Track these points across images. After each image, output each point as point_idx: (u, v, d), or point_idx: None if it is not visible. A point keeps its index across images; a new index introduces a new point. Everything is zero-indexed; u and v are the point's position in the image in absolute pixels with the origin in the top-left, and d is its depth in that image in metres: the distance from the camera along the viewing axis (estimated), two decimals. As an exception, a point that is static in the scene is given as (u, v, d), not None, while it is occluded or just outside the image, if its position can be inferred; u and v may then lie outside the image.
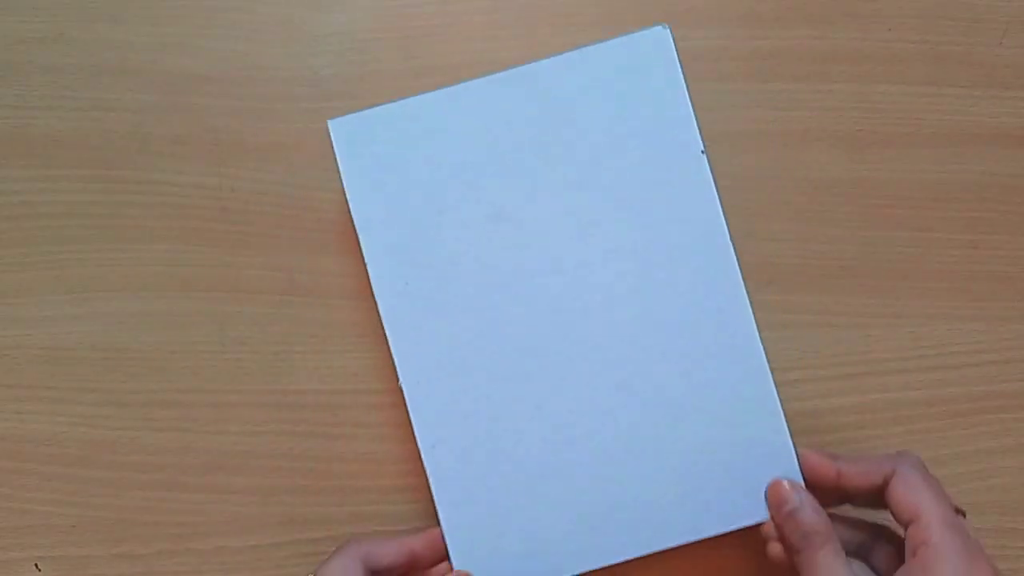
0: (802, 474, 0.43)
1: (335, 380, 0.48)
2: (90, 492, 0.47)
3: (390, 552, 0.42)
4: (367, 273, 0.47)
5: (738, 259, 0.46)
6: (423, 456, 0.44)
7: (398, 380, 0.44)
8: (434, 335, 0.44)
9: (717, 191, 0.44)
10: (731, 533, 0.43)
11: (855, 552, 0.42)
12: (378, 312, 0.45)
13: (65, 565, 0.47)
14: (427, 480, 0.44)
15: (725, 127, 0.49)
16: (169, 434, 0.48)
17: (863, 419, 0.48)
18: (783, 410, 0.44)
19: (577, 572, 0.43)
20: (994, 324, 0.49)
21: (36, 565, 0.47)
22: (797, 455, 0.43)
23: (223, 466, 0.48)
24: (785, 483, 0.42)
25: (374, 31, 0.49)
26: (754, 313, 0.47)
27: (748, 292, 0.47)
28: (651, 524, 0.43)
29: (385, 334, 0.44)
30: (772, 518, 0.42)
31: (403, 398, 0.47)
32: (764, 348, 0.44)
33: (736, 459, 0.43)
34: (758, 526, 0.43)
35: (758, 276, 0.48)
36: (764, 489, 0.43)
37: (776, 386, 0.44)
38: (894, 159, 0.49)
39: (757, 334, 0.44)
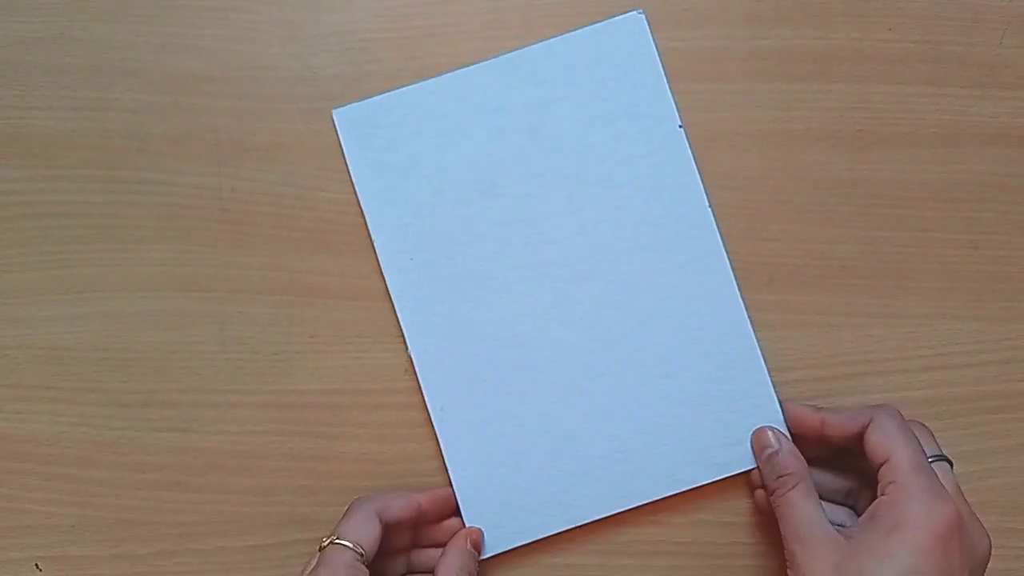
0: (787, 424, 0.46)
1: (335, 380, 0.48)
2: (90, 492, 0.47)
3: (399, 507, 0.44)
4: (367, 272, 0.47)
5: (730, 257, 0.46)
6: (433, 419, 0.46)
7: (407, 348, 0.47)
8: (439, 305, 0.47)
9: (695, 162, 0.47)
10: (720, 481, 0.46)
11: (843, 499, 0.45)
12: (389, 302, 0.46)
13: (65, 565, 0.47)
14: (435, 473, 0.44)
15: (725, 127, 0.49)
16: (169, 434, 0.48)
17: (863, 419, 0.48)
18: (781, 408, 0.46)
19: (578, 523, 0.46)
20: (994, 324, 0.49)
21: (36, 565, 0.47)
22: (782, 407, 0.46)
23: (223, 466, 0.48)
24: (768, 429, 0.45)
25: (374, 31, 0.49)
26: (753, 313, 0.47)
27: (747, 291, 0.47)
28: (647, 475, 0.46)
29: (389, 321, 0.46)
30: (757, 464, 0.46)
31: (401, 392, 0.47)
32: (749, 317, 0.47)
33: (725, 413, 0.46)
34: (747, 474, 0.47)
35: (758, 276, 0.48)
36: (749, 440, 0.46)
37: (771, 377, 0.47)
38: (894, 159, 0.49)
39: (738, 292, 0.47)
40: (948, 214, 0.49)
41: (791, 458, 0.44)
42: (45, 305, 0.48)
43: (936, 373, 0.48)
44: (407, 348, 0.47)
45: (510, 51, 0.49)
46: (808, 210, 0.49)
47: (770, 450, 0.44)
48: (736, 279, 0.47)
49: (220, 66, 0.49)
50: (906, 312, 0.48)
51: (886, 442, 0.41)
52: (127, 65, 0.49)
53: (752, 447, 0.46)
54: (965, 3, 0.50)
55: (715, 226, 0.47)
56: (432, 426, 0.47)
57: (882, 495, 0.41)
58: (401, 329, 0.47)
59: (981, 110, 0.49)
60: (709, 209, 0.47)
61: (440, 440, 0.46)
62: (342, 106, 0.48)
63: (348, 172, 0.48)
